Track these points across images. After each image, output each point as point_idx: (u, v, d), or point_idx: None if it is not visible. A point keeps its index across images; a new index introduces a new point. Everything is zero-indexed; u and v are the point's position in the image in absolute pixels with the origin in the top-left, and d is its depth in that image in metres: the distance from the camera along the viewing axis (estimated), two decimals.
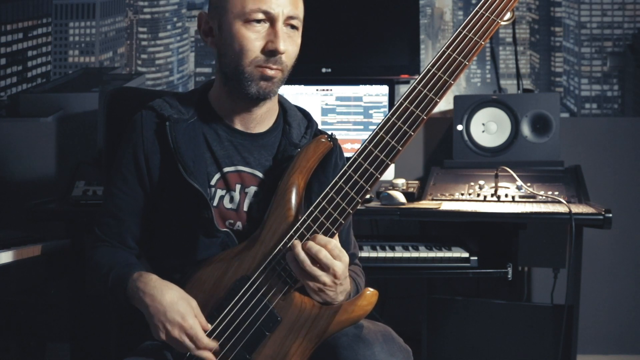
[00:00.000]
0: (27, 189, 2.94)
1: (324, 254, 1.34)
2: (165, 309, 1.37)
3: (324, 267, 1.35)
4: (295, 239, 1.39)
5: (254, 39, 1.45)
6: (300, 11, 1.49)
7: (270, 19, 1.45)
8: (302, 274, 1.36)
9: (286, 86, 2.63)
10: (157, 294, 1.39)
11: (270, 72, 1.46)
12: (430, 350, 2.40)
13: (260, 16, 1.44)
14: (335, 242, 1.37)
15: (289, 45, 1.47)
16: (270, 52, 1.45)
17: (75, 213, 2.27)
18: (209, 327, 1.40)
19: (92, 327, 2.31)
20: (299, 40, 1.51)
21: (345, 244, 1.58)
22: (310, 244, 1.35)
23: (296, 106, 1.65)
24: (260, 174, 1.54)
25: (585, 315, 2.62)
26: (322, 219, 1.38)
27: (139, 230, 1.55)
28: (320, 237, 1.36)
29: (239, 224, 1.53)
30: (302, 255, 1.35)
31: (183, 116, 1.53)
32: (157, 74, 3.03)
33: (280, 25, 1.45)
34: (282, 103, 1.63)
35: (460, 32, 1.39)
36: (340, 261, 1.36)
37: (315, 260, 1.35)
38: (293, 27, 1.48)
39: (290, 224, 1.41)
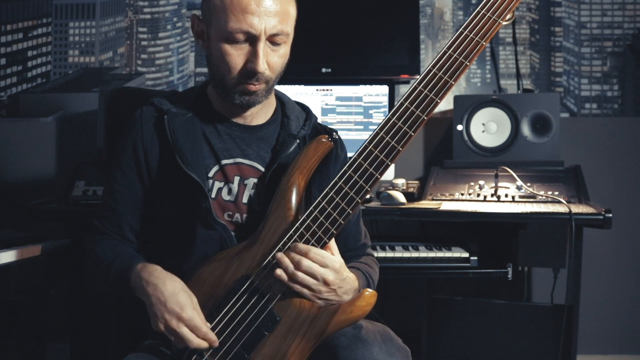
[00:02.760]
0: (27, 189, 2.93)
1: (305, 264, 1.36)
2: (166, 299, 1.37)
3: (312, 276, 1.36)
4: (294, 239, 1.39)
5: (235, 55, 1.45)
6: (287, 25, 1.46)
7: (252, 39, 1.43)
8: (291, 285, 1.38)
9: (286, 86, 2.64)
10: (160, 283, 1.40)
11: (252, 88, 1.47)
12: (430, 350, 2.40)
13: (241, 37, 1.43)
14: (315, 250, 1.37)
15: (272, 59, 1.46)
16: (250, 72, 1.45)
17: (75, 213, 2.27)
18: (208, 325, 1.40)
19: (92, 327, 2.31)
20: (286, 50, 1.49)
21: (354, 234, 1.61)
22: (292, 255, 1.37)
23: (295, 101, 1.66)
24: (259, 166, 1.55)
25: (585, 315, 2.62)
26: (321, 218, 1.39)
27: (138, 225, 1.56)
28: (300, 247, 1.37)
29: (237, 216, 1.53)
30: (283, 275, 1.37)
31: (182, 111, 1.54)
32: (157, 74, 3.03)
33: (261, 45, 1.43)
34: (280, 97, 1.63)
35: (461, 33, 1.39)
36: (326, 267, 1.37)
37: (300, 272, 1.36)
38: (277, 43, 1.46)
39: (290, 223, 1.41)
